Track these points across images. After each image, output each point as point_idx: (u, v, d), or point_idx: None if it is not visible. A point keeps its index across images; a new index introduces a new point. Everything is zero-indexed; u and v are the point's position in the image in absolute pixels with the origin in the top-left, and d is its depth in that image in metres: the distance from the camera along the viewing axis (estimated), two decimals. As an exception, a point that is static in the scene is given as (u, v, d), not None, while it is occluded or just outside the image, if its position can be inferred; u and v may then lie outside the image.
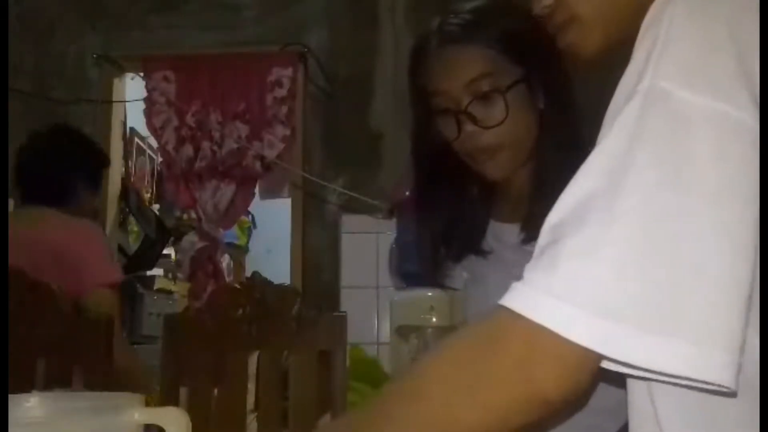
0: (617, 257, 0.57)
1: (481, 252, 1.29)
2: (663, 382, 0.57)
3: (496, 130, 1.17)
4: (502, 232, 1.27)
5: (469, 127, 1.18)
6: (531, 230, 1.20)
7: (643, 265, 0.56)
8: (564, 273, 0.59)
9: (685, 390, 0.57)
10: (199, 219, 3.41)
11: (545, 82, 1.20)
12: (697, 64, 0.58)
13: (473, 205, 1.30)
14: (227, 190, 3.30)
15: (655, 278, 0.55)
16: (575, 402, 0.61)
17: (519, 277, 1.21)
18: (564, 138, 1.20)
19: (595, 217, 0.60)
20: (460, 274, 1.34)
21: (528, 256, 1.20)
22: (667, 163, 0.57)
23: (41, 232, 2.16)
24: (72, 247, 2.18)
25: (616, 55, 0.76)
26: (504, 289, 1.22)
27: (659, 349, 0.55)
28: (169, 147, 3.33)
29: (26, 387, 0.73)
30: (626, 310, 0.56)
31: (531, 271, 0.63)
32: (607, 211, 0.59)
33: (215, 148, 3.28)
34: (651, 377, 0.57)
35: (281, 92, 3.30)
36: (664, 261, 0.55)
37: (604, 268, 0.57)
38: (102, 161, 2.54)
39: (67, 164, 2.35)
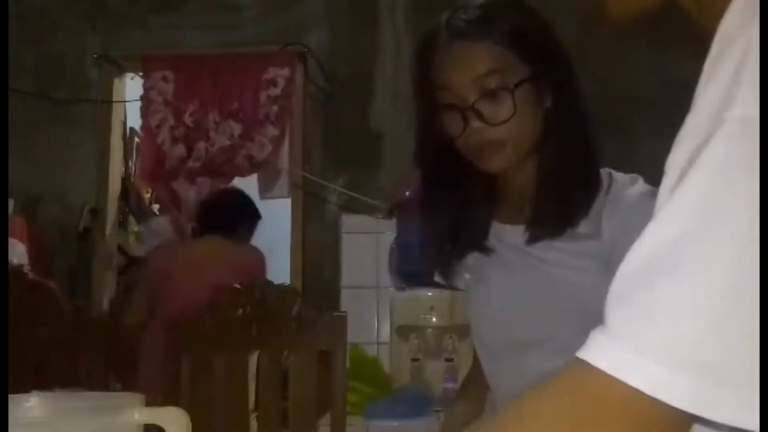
0: (719, 313, 0.53)
1: (484, 249, 1.28)
2: None
3: (501, 127, 1.16)
4: (505, 233, 1.26)
5: (475, 124, 1.16)
6: (535, 232, 1.19)
7: (743, 321, 0.52)
8: (662, 330, 0.54)
9: None
10: (180, 213, 3.46)
11: (553, 81, 1.19)
12: None
13: (476, 203, 1.29)
14: (215, 187, 3.36)
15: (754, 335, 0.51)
16: None
17: (521, 280, 1.20)
18: (569, 139, 1.19)
19: (692, 267, 0.53)
20: (463, 274, 1.33)
21: (530, 258, 1.19)
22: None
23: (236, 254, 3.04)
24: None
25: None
26: (506, 290, 1.22)
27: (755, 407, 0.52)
28: (165, 146, 3.34)
29: (27, 387, 0.73)
30: (728, 371, 0.52)
31: (619, 325, 0.55)
32: (704, 261, 0.54)
33: (210, 147, 3.29)
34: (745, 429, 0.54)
35: (275, 91, 3.30)
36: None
37: (706, 325, 0.53)
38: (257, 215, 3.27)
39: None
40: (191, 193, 3.37)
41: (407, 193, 2.71)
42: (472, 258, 1.30)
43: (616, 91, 3.12)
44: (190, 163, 3.30)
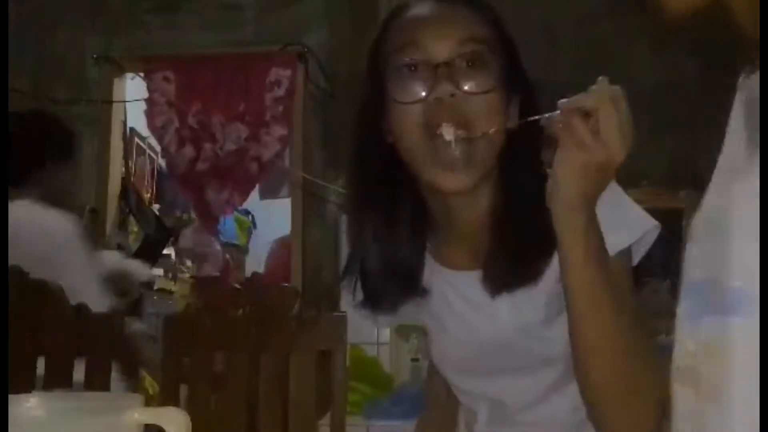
0: None
1: (422, 293, 1.10)
2: None
3: (473, 105, 0.97)
4: (457, 282, 1.08)
5: (444, 87, 0.96)
6: (496, 283, 1.02)
7: None
8: None
9: None
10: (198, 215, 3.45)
11: (521, 99, 1.03)
12: None
13: (405, 229, 1.08)
14: (226, 191, 3.32)
15: None
16: None
17: (483, 337, 1.05)
18: (532, 167, 1.01)
19: None
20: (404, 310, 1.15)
21: (494, 311, 1.01)
22: None
23: None
24: None
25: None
26: (469, 346, 1.07)
27: None
28: (171, 148, 3.34)
29: (26, 387, 0.73)
30: None
31: None
32: None
33: (218, 149, 3.29)
34: None
35: (279, 92, 3.30)
36: None
37: None
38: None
39: None
40: (207, 194, 3.36)
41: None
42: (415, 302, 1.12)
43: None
44: (199, 165, 3.30)
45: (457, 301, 1.09)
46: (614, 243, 0.95)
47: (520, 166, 1.03)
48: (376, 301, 1.12)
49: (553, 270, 0.98)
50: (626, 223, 0.99)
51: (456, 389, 1.20)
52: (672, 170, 2.92)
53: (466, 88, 0.97)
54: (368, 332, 2.95)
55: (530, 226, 0.98)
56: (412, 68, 0.99)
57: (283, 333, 1.66)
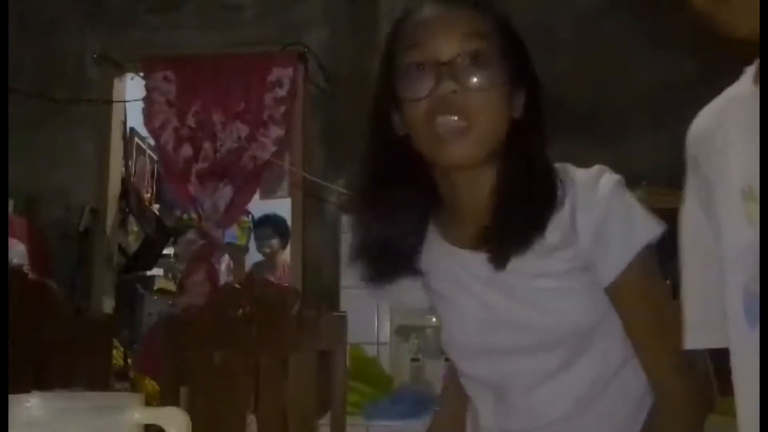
0: None
1: (415, 272, 1.19)
2: None
3: (473, 99, 1.05)
4: (467, 260, 1.15)
5: (447, 84, 1.04)
6: (500, 259, 1.09)
7: None
8: None
9: None
10: (200, 218, 3.41)
11: (526, 91, 1.11)
12: None
13: (411, 213, 1.18)
14: (226, 190, 3.30)
15: None
16: None
17: (500, 313, 1.11)
18: (534, 154, 1.11)
19: None
20: (412, 292, 1.25)
21: (505, 286, 1.09)
22: None
23: None
24: None
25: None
26: (485, 323, 1.13)
27: None
28: (169, 147, 3.33)
29: (27, 387, 0.73)
30: None
31: None
32: None
33: (219, 149, 3.28)
34: None
35: (281, 92, 3.30)
36: None
37: None
38: None
39: None
40: (205, 195, 3.33)
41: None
42: (429, 279, 1.21)
43: (616, 91, 3.12)
44: (198, 165, 3.30)
45: (466, 276, 1.16)
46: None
47: (522, 152, 1.10)
48: (379, 275, 1.21)
49: (558, 243, 1.08)
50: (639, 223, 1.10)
51: (463, 377, 1.24)
52: (672, 170, 2.91)
53: (468, 84, 1.05)
54: (368, 332, 2.96)
55: (528, 209, 1.08)
56: (420, 67, 1.07)
57: (283, 333, 1.66)
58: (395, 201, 1.17)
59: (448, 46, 1.06)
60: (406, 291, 1.25)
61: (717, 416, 1.10)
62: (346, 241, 3.25)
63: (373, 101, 1.19)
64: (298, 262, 3.30)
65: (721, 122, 0.84)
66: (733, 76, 0.83)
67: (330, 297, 3.04)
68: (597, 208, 1.07)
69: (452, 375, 1.34)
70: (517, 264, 1.08)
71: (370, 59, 3.31)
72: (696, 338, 0.92)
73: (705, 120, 0.89)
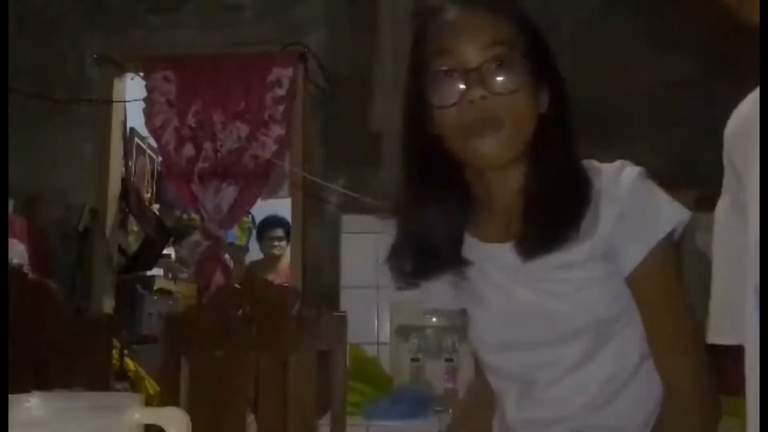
0: None
1: (460, 268, 1.22)
2: None
3: (502, 102, 1.09)
4: (492, 253, 1.19)
5: (476, 91, 1.09)
6: (529, 248, 1.12)
7: None
8: None
9: None
10: (202, 219, 3.41)
11: (550, 87, 1.15)
12: None
13: (449, 212, 1.22)
14: (229, 191, 3.30)
15: None
16: None
17: (524, 304, 1.15)
18: (561, 149, 1.15)
19: None
20: (441, 294, 1.28)
21: (530, 279, 1.13)
22: None
23: None
24: None
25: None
26: (510, 315, 1.17)
27: None
28: (170, 147, 3.33)
29: (27, 387, 0.73)
30: None
31: None
32: None
33: (219, 148, 3.28)
34: None
35: (281, 92, 3.30)
36: None
37: None
38: None
39: None
40: (207, 195, 3.33)
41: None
42: (454, 278, 1.24)
43: (616, 91, 3.12)
44: (199, 164, 3.29)
45: (494, 271, 1.19)
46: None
47: (551, 149, 1.14)
48: (422, 271, 1.22)
49: (583, 238, 1.10)
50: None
51: (489, 373, 1.27)
52: (672, 170, 2.92)
53: (496, 89, 1.10)
54: (368, 332, 2.96)
55: (557, 201, 1.12)
56: (448, 74, 1.11)
57: (283, 333, 1.66)
58: (435, 198, 1.21)
59: (474, 53, 1.10)
60: (439, 292, 1.27)
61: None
62: (346, 241, 3.27)
63: (403, 103, 1.21)
64: (298, 262, 3.29)
65: (752, 120, 0.85)
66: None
67: (330, 297, 3.04)
68: (619, 195, 1.10)
69: (478, 375, 1.38)
70: (543, 258, 1.11)
71: (370, 59, 3.31)
72: (717, 334, 0.92)
73: (740, 115, 0.90)
